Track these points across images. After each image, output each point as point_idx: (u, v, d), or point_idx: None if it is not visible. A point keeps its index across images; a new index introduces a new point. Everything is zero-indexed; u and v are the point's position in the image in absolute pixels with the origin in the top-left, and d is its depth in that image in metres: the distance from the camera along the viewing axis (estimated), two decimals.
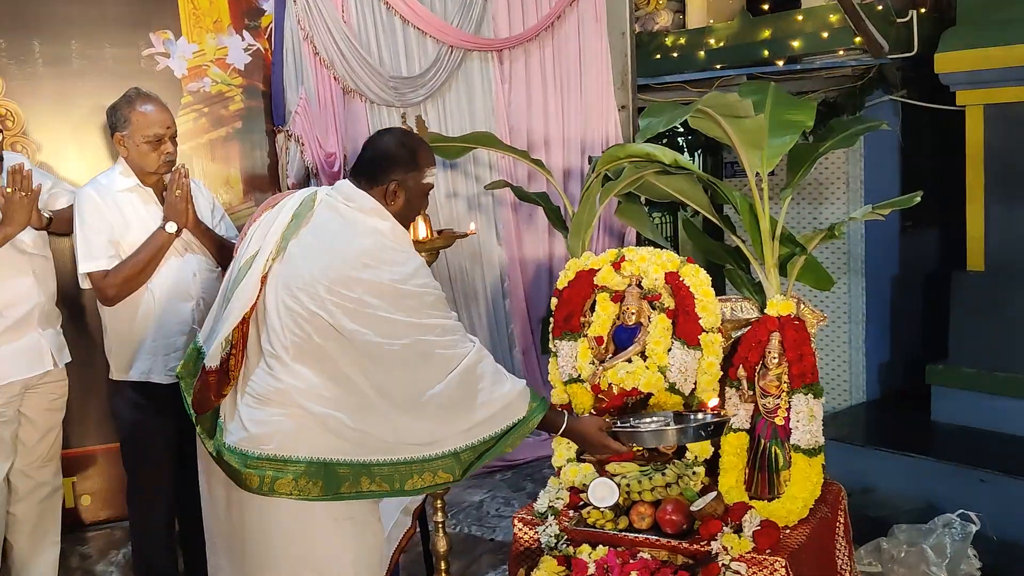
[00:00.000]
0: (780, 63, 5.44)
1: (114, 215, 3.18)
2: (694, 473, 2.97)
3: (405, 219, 2.41)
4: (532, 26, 4.80)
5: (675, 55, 5.98)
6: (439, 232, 3.07)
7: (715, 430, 2.68)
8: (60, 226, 3.32)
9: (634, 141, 3.31)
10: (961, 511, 3.65)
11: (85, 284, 3.18)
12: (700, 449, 3.07)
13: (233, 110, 4.31)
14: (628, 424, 2.56)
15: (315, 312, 2.20)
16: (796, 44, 5.35)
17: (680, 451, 3.19)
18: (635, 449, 2.56)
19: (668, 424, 2.65)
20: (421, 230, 2.98)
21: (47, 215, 3.29)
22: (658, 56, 6.03)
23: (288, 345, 2.23)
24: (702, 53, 5.82)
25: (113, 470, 3.45)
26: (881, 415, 5.51)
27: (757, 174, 2.98)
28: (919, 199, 2.81)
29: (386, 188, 2.34)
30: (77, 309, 3.34)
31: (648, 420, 2.64)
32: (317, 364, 2.23)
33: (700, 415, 2.76)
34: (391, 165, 2.35)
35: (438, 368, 2.26)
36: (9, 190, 3.07)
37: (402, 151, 2.38)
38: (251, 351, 2.33)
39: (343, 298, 2.20)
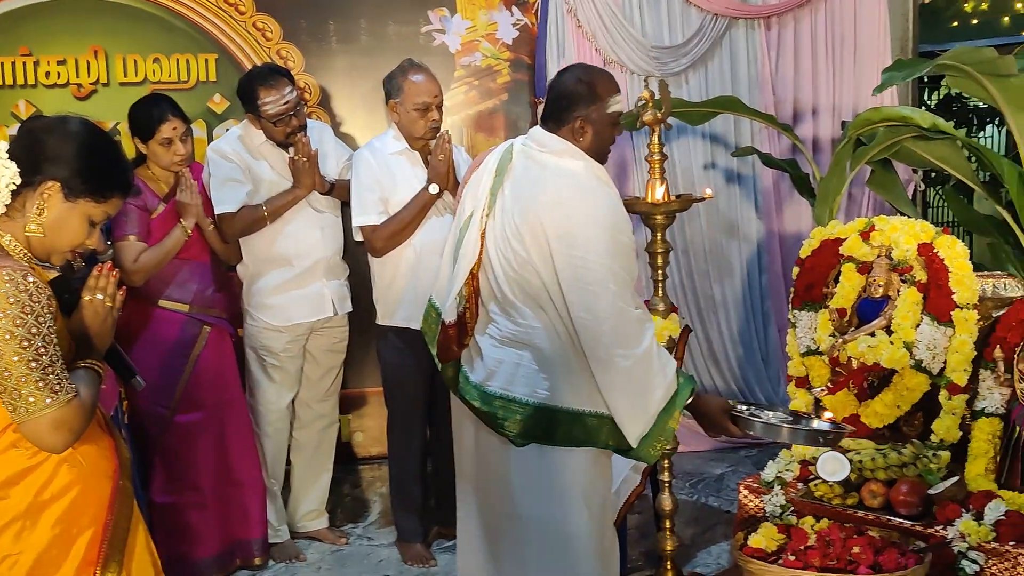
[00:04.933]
0: None
1: (385, 175, 3.50)
2: (935, 455, 2.80)
3: (598, 153, 2.44)
4: None
5: (975, 21, 5.52)
6: (676, 196, 3.09)
7: (832, 439, 2.43)
8: (341, 193, 3.68)
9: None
10: None
11: (357, 236, 3.53)
12: (947, 432, 2.89)
13: (500, 83, 4.54)
14: (748, 412, 2.41)
15: (525, 259, 2.33)
16: None
17: (924, 433, 3.01)
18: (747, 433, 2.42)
19: (787, 422, 2.45)
20: (658, 193, 3.02)
21: (330, 181, 3.67)
22: (955, 23, 5.59)
23: (516, 291, 2.37)
24: (1007, 19, 5.33)
25: (383, 411, 3.78)
26: None
27: None
28: None
29: (572, 126, 2.39)
30: (364, 266, 3.66)
31: (769, 414, 2.48)
32: (538, 307, 2.34)
33: (817, 423, 2.52)
34: (572, 102, 2.39)
35: (628, 332, 2.26)
36: (295, 157, 3.49)
37: (580, 86, 2.40)
38: (485, 301, 2.49)
39: (540, 241, 2.29)
